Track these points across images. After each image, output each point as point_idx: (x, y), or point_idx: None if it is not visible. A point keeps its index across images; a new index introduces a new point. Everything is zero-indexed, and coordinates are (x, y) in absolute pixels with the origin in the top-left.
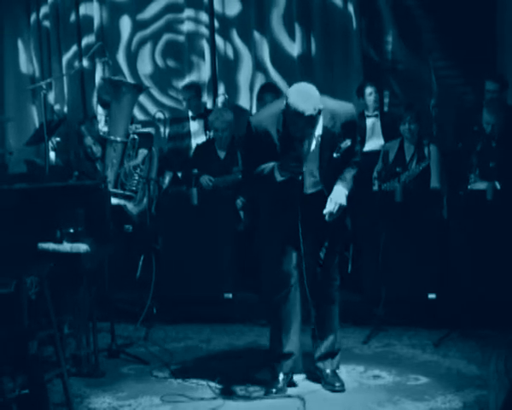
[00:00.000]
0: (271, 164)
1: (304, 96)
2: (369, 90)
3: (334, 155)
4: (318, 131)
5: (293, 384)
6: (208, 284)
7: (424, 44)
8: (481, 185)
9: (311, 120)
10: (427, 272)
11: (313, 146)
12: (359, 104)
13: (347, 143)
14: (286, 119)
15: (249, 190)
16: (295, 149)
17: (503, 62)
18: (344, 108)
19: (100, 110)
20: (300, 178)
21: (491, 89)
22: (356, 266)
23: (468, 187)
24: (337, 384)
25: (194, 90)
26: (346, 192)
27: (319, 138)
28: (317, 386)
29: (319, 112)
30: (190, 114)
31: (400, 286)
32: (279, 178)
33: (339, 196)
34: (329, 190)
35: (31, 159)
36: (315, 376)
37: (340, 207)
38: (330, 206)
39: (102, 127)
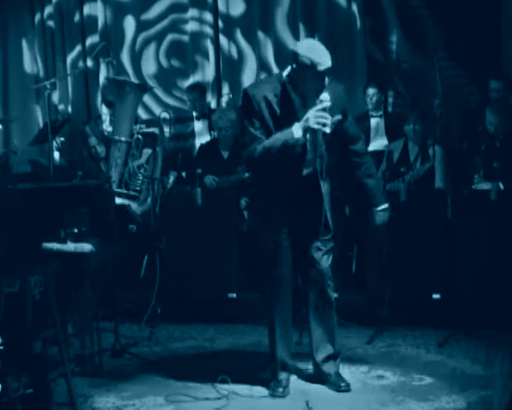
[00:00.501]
0: (280, 132)
1: (321, 49)
2: (371, 91)
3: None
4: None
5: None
6: (212, 284)
7: (429, 44)
8: (485, 186)
9: (328, 72)
10: (431, 271)
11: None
12: (366, 104)
13: (338, 117)
14: (301, 78)
15: (253, 169)
16: (296, 114)
17: (508, 62)
18: (332, 84)
19: (104, 110)
20: (329, 131)
21: (495, 88)
22: (360, 265)
23: (473, 187)
24: (342, 384)
25: (199, 90)
26: (387, 206)
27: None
28: (321, 386)
29: None
30: (194, 113)
31: (404, 286)
32: (299, 134)
33: (383, 218)
34: (323, 173)
35: (35, 159)
36: (318, 376)
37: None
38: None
39: (107, 127)
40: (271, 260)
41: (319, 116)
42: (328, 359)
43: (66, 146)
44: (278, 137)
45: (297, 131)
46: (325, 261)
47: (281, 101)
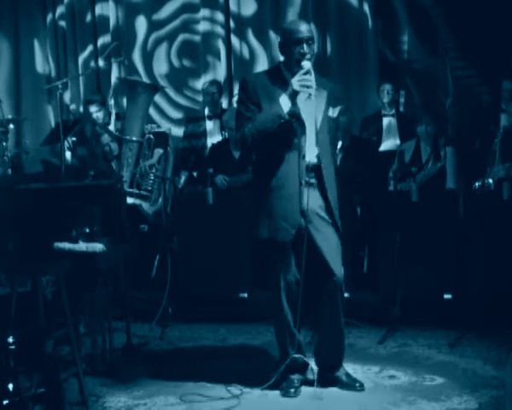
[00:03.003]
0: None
1: (299, 21)
2: (386, 86)
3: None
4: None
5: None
6: (224, 284)
7: (440, 44)
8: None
9: (313, 40)
10: (442, 272)
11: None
12: (378, 104)
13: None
14: (287, 53)
15: (247, 150)
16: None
17: None
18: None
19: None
20: (311, 96)
21: (508, 88)
22: (372, 265)
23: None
24: (357, 384)
25: (217, 87)
26: None
27: (312, 97)
28: (332, 387)
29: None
30: (207, 113)
31: (416, 286)
32: (287, 105)
33: None
34: (325, 166)
35: (47, 159)
36: (326, 380)
37: None
38: None
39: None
40: (277, 258)
41: (301, 79)
42: (335, 367)
43: (76, 145)
44: (268, 111)
45: (284, 100)
46: (340, 269)
47: (278, 83)
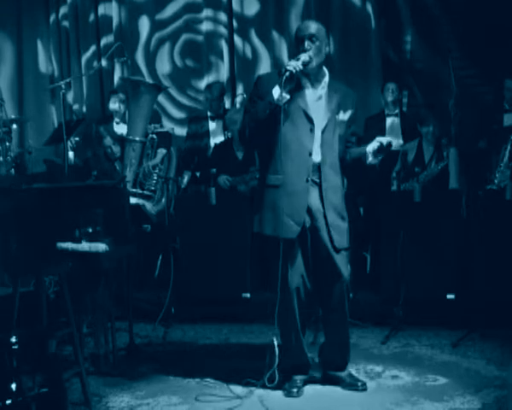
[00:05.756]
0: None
1: (305, 21)
2: (390, 85)
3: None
4: (325, 81)
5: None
6: (226, 284)
7: (443, 44)
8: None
9: (316, 37)
10: (445, 272)
11: (321, 93)
12: (382, 104)
13: (348, 113)
14: (296, 51)
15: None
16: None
17: None
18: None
19: (115, 106)
20: (301, 67)
21: (511, 87)
22: (374, 266)
23: (487, 187)
24: (359, 384)
25: (219, 91)
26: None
27: (326, 96)
28: (335, 387)
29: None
30: (209, 113)
31: (419, 286)
32: (277, 92)
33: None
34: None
35: (50, 159)
36: (330, 379)
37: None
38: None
39: (117, 123)
40: (281, 257)
41: (287, 64)
42: (340, 367)
43: (81, 146)
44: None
45: (275, 89)
46: (346, 270)
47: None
